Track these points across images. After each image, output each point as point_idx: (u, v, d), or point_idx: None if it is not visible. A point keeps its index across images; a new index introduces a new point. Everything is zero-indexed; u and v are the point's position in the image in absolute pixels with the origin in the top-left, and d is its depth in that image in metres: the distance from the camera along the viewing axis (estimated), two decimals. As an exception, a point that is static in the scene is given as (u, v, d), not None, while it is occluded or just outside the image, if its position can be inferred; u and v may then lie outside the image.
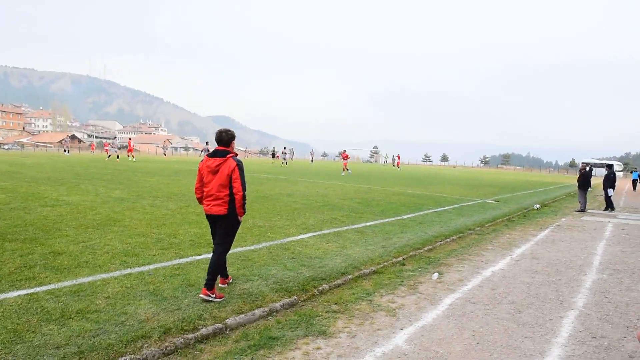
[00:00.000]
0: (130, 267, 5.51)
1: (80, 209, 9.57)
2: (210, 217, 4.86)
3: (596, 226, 11.66)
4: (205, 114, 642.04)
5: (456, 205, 14.11)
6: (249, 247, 6.90)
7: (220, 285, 5.12)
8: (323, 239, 7.93)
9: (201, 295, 4.65)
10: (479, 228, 10.20)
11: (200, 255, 6.31)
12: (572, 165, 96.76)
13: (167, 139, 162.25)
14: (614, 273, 6.68)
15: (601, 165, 73.12)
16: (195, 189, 4.91)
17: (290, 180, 21.47)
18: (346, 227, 9.13)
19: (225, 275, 5.16)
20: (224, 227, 4.80)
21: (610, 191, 15.65)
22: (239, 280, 5.33)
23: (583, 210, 14.79)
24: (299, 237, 7.94)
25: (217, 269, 4.78)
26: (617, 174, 72.81)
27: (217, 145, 4.87)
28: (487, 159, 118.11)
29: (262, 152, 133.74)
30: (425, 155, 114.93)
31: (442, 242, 8.38)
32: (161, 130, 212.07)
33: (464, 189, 21.68)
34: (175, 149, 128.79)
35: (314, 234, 8.30)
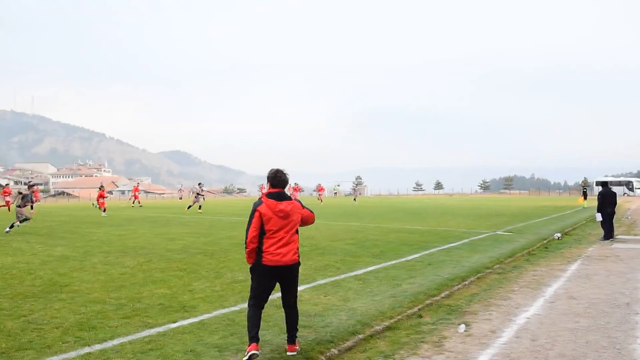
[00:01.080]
0: (89, 345, 5.15)
1: (15, 274, 9.11)
2: (277, 270, 4.93)
3: (631, 254, 11.73)
4: (156, 150, 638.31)
5: (465, 240, 14.08)
6: (232, 308, 6.61)
7: (289, 353, 5.02)
8: (320, 291, 7.69)
9: (289, 353, 4.98)
10: (497, 265, 10.12)
11: (174, 322, 5.98)
12: (586, 185, 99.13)
13: (112, 181, 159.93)
14: (668, 310, 6.62)
15: (618, 183, 75.37)
16: (252, 237, 4.88)
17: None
18: (344, 275, 8.92)
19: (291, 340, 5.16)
20: (296, 276, 5.18)
21: (598, 216, 14.78)
22: (227, 352, 5.02)
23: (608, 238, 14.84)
24: (290, 291, 7.66)
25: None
26: (637, 191, 74.92)
27: (276, 187, 4.98)
28: (487, 184, 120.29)
29: (226, 191, 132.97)
30: (417, 184, 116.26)
31: (459, 286, 8.23)
32: (104, 171, 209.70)
33: (469, 220, 21.79)
34: (123, 192, 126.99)
35: (308, 285, 8.05)
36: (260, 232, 4.89)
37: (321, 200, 47.81)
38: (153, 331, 5.65)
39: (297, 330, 5.17)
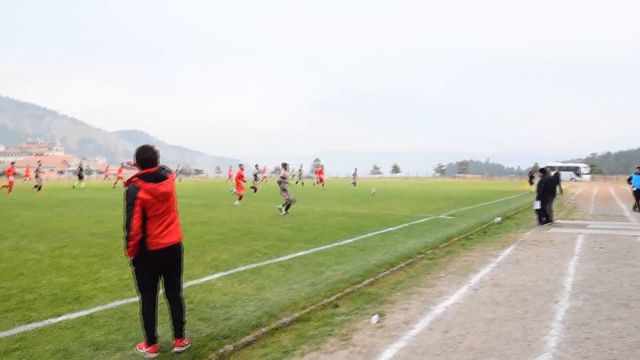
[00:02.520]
0: (-56, 344, 4.51)
1: None
2: (165, 253, 4.43)
3: (565, 239, 11.73)
4: (112, 129, 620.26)
5: (405, 225, 13.85)
6: (133, 299, 6.04)
7: (176, 349, 4.54)
8: (236, 279, 7.21)
9: (176, 348, 4.52)
10: (431, 251, 9.87)
11: (58, 316, 5.39)
12: (535, 170, 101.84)
13: (64, 160, 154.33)
14: (590, 298, 6.45)
15: (567, 169, 77.52)
16: (137, 228, 4.28)
17: (210, 204, 20.55)
18: (268, 261, 8.46)
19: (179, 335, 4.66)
20: (181, 259, 4.69)
21: (536, 204, 14.77)
22: (104, 351, 4.48)
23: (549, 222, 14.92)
24: (205, 279, 7.17)
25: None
26: (584, 177, 77.33)
27: (148, 167, 4.41)
28: (443, 168, 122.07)
29: (182, 172, 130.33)
30: (375, 167, 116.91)
31: (386, 273, 7.90)
32: (56, 150, 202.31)
33: (415, 204, 21.70)
34: (75, 172, 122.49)
35: (225, 273, 7.56)
36: (143, 219, 4.34)
37: (321, 184, 41.39)
38: (30, 327, 5.05)
39: (184, 322, 4.68)
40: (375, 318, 5.65)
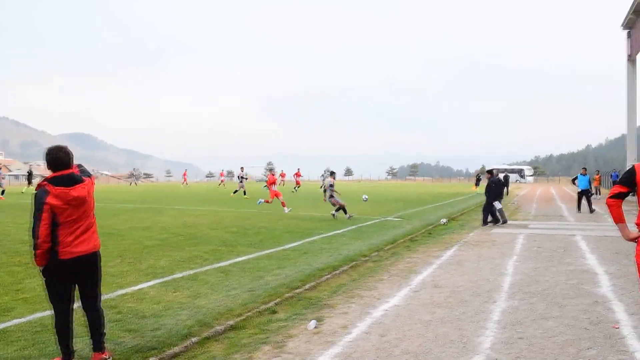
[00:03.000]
0: None
1: None
2: (78, 262, 4.10)
3: (507, 239, 11.96)
4: (57, 132, 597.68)
5: (352, 227, 13.81)
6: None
7: None
8: (171, 286, 6.90)
9: None
10: (375, 253, 9.83)
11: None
12: (482, 173, 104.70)
13: (4, 165, 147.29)
14: (526, 297, 6.52)
15: (512, 171, 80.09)
16: (45, 237, 3.95)
17: (156, 209, 19.94)
18: (207, 267, 8.18)
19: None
20: (99, 268, 4.38)
21: (497, 204, 15.19)
22: (13, 368, 4.13)
23: (495, 223, 15.24)
24: (138, 287, 6.83)
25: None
26: (528, 178, 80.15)
27: (59, 169, 4.07)
28: (395, 171, 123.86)
29: (133, 175, 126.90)
30: (326, 170, 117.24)
31: (328, 276, 7.77)
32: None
33: (364, 206, 21.76)
34: (16, 177, 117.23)
35: (161, 280, 7.23)
36: (52, 225, 4.01)
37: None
38: None
39: (103, 334, 4.37)
40: (312, 324, 5.49)
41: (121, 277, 7.36)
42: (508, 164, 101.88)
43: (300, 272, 7.90)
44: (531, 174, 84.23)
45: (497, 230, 13.76)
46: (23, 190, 36.33)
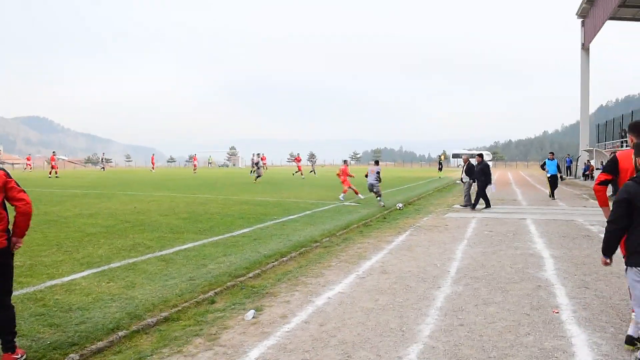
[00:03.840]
0: None
1: None
2: None
3: (459, 224, 11.99)
4: (11, 115, 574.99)
5: (307, 212, 13.61)
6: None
7: None
8: (105, 276, 6.55)
9: None
10: (327, 239, 9.66)
11: None
12: (445, 157, 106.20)
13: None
14: (470, 282, 6.46)
15: (471, 156, 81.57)
16: None
17: (107, 195, 19.25)
18: (149, 255, 7.83)
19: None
20: (9, 265, 4.23)
21: (492, 187, 15.58)
22: None
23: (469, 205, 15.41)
24: (69, 277, 6.45)
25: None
26: (488, 163, 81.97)
27: None
28: (359, 156, 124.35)
29: (90, 161, 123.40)
30: (291, 155, 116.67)
31: (275, 263, 7.55)
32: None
33: (323, 191, 21.62)
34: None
35: (96, 270, 6.86)
36: None
37: (195, 171, 48.21)
38: None
39: (15, 333, 4.05)
40: (250, 314, 5.26)
41: (54, 267, 6.95)
42: (468, 149, 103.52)
43: (246, 260, 7.65)
44: (490, 158, 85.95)
45: (451, 215, 13.80)
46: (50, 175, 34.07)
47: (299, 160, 43.39)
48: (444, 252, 8.47)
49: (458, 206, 16.03)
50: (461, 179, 17.12)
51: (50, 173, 37.39)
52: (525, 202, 18.08)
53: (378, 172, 17.21)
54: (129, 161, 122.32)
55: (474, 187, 16.06)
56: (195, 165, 55.06)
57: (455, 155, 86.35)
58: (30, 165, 56.14)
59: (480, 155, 16.85)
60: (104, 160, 63.45)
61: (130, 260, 7.46)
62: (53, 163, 38.21)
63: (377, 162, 18.33)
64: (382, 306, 5.51)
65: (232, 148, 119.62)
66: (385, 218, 13.02)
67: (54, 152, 42.34)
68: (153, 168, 59.13)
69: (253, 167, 36.80)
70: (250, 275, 6.84)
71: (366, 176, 18.95)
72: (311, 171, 42.82)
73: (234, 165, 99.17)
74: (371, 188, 16.98)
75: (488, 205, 15.42)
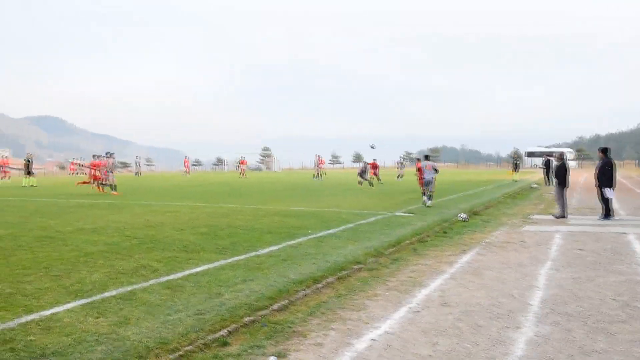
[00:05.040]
0: None
1: None
2: None
3: (540, 240, 11.21)
4: (19, 115, 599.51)
5: (350, 225, 13.06)
6: None
7: None
8: (95, 309, 6.16)
9: None
10: (373, 259, 9.08)
11: None
12: (512, 157, 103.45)
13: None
14: (561, 321, 5.73)
15: (550, 154, 79.02)
16: None
17: (118, 205, 19.24)
18: (153, 281, 7.44)
19: None
20: None
21: (609, 192, 14.60)
22: None
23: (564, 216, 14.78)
24: (51, 310, 6.08)
25: None
26: (570, 163, 79.15)
27: None
28: (412, 156, 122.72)
29: (137, 164, 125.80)
30: (333, 156, 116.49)
31: (307, 292, 7.02)
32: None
33: (370, 199, 21.05)
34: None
35: (85, 300, 6.49)
36: None
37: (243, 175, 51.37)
38: None
39: None
40: (270, 362, 4.74)
41: (35, 296, 6.62)
42: (545, 147, 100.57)
43: (271, 287, 7.14)
44: (573, 157, 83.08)
45: (530, 228, 12.96)
46: (24, 184, 34.60)
47: (323, 163, 44.85)
48: (523, 278, 7.74)
49: (538, 217, 15.17)
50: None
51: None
52: (624, 211, 16.95)
53: (435, 168, 18.93)
54: (150, 164, 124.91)
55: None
56: (243, 170, 55.00)
57: (531, 154, 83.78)
58: (7, 172, 45.86)
59: (561, 156, 16.57)
60: (138, 164, 63.92)
61: (129, 288, 7.07)
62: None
63: (427, 157, 19.94)
64: (442, 353, 4.87)
65: (266, 149, 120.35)
66: (445, 232, 12.33)
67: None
68: (188, 172, 60.20)
69: (316, 170, 42.36)
70: (275, 307, 6.32)
71: (418, 170, 19.91)
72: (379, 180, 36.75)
73: (267, 168, 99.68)
74: (428, 184, 18.42)
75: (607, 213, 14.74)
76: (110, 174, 25.12)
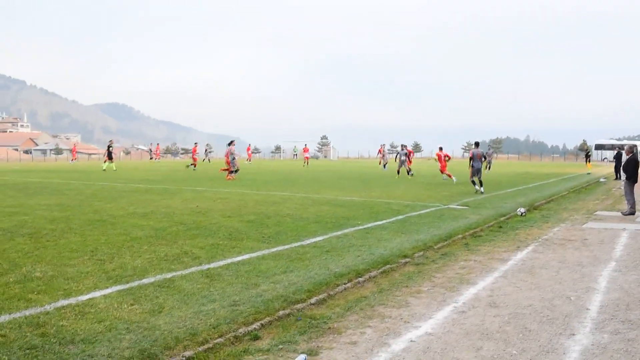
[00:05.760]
0: None
1: None
2: None
3: (603, 238, 10.54)
4: (89, 102, 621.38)
5: (400, 217, 12.69)
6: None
7: None
8: (131, 295, 6.10)
9: None
10: (421, 253, 8.73)
11: None
12: (582, 149, 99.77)
13: (31, 138, 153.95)
14: (622, 329, 5.25)
15: (621, 147, 75.67)
16: None
17: (171, 190, 19.50)
18: (193, 269, 7.35)
19: None
20: None
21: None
22: None
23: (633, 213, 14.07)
24: (88, 295, 6.06)
25: None
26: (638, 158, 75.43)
27: None
28: (472, 147, 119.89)
29: (168, 151, 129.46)
30: (392, 146, 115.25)
31: (348, 285, 6.78)
32: (22, 125, 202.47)
33: (424, 190, 20.52)
34: (44, 151, 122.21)
35: (123, 286, 6.45)
36: None
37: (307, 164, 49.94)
38: None
39: None
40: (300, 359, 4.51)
41: (75, 280, 6.63)
42: (617, 139, 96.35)
43: (310, 279, 6.92)
44: (645, 150, 79.31)
45: (592, 225, 12.24)
46: (104, 168, 36.48)
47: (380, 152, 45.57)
48: (581, 279, 7.23)
49: (603, 213, 14.37)
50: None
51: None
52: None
53: (484, 156, 19.97)
54: (211, 151, 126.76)
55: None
56: (307, 158, 54.27)
57: (599, 147, 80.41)
58: (75, 156, 60.86)
59: (632, 148, 15.67)
60: (208, 152, 65.13)
61: (169, 275, 7.00)
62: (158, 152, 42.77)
63: (477, 144, 20.93)
64: (486, 359, 4.52)
65: (324, 137, 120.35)
66: (500, 227, 11.78)
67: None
68: (248, 159, 61.22)
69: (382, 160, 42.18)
70: (312, 301, 6.10)
71: (471, 159, 20.27)
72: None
73: (325, 157, 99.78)
74: (477, 172, 19.29)
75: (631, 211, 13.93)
76: (234, 160, 26.96)
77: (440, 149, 26.59)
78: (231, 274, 7.15)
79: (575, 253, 9.03)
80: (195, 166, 38.20)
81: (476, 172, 19.46)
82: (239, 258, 8.09)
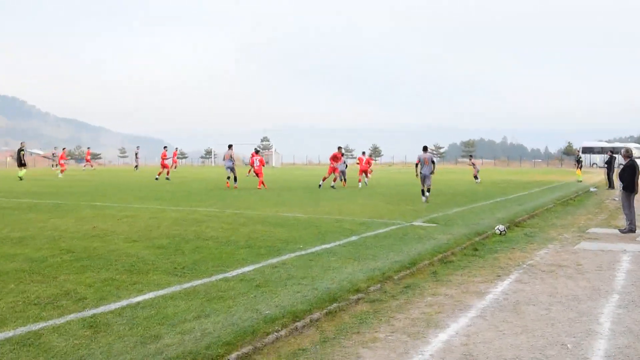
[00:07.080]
0: None
1: None
2: None
3: (601, 262, 10.45)
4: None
5: (353, 238, 12.30)
6: None
7: None
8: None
9: None
10: (378, 286, 8.32)
11: None
12: (568, 152, 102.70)
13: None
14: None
15: (613, 150, 77.79)
16: None
17: (64, 206, 18.55)
18: (72, 316, 6.63)
19: None
20: None
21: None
22: None
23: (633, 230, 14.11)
24: None
25: None
26: (637, 161, 77.78)
27: None
28: (442, 150, 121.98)
29: (71, 155, 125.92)
30: (346, 150, 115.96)
31: (282, 333, 6.21)
32: None
33: (384, 203, 20.29)
34: None
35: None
36: None
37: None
38: None
39: None
40: None
41: None
42: (607, 141, 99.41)
43: (232, 327, 6.32)
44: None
45: (587, 246, 12.14)
46: (20, 175, 34.66)
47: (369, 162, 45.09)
48: (579, 319, 6.95)
49: (598, 230, 14.38)
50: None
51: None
52: None
53: (433, 161, 20.70)
54: (124, 156, 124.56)
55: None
56: (260, 162, 53.65)
57: (587, 150, 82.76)
58: None
59: (628, 152, 15.69)
60: (137, 155, 62.62)
61: (36, 327, 6.23)
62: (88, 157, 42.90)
63: (425, 148, 21.60)
64: None
65: (265, 139, 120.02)
66: (476, 249, 11.57)
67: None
68: (174, 166, 59.55)
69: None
70: (232, 358, 5.48)
71: (417, 166, 21.45)
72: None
73: (267, 162, 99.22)
74: (424, 179, 20.52)
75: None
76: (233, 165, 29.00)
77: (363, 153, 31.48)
78: (124, 322, 6.45)
79: (569, 283, 8.79)
80: (168, 174, 37.41)
81: (422, 178, 20.93)
82: (139, 298, 7.40)
